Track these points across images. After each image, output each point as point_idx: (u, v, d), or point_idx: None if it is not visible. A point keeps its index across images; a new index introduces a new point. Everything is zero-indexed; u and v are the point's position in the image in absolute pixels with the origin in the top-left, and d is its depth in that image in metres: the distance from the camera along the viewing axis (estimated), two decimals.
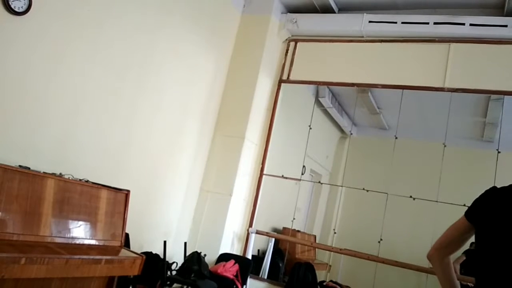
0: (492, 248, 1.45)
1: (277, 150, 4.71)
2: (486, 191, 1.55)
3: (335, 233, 4.59)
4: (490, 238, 1.46)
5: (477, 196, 1.57)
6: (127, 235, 3.14)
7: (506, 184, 1.54)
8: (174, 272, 3.68)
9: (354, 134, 4.86)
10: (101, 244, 2.71)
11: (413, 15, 4.18)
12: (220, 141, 4.52)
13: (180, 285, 3.64)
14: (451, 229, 1.62)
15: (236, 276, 3.90)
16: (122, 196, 2.98)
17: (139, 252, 2.97)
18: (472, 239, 1.57)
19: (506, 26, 3.82)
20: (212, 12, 4.34)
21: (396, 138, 4.18)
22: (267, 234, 4.47)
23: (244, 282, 3.95)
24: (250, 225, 4.47)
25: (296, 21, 4.61)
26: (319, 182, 5.09)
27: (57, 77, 2.86)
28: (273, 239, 4.47)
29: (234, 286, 3.84)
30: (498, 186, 1.54)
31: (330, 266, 5.03)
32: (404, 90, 4.18)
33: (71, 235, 2.54)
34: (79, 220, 2.61)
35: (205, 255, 3.92)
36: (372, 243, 4.00)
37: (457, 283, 1.63)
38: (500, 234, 1.43)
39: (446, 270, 1.63)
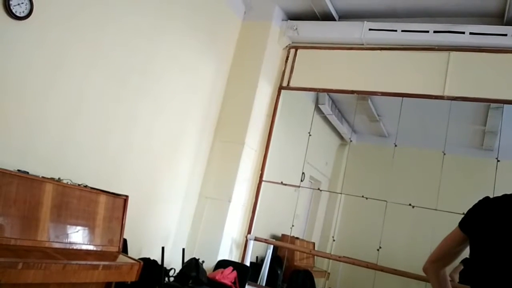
0: (486, 258, 1.44)
1: (277, 157, 4.70)
2: (479, 202, 1.56)
3: (334, 240, 4.58)
4: (484, 248, 1.46)
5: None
6: (125, 240, 3.13)
7: (506, 193, 1.53)
8: (172, 279, 3.66)
9: (354, 141, 4.86)
10: (98, 249, 2.70)
11: (413, 23, 4.19)
12: (220, 146, 4.52)
13: None
14: (445, 241, 1.62)
15: (234, 283, 3.88)
16: (120, 201, 2.97)
17: (137, 258, 2.96)
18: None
19: (506, 35, 3.83)
20: (213, 18, 4.36)
21: (395, 145, 4.17)
22: (265, 241, 4.45)
23: None
24: (249, 232, 4.45)
25: (296, 28, 4.62)
26: (319, 189, 5.08)
27: (57, 82, 2.86)
28: (272, 246, 4.45)
29: None
30: (491, 196, 1.54)
31: (329, 273, 5.01)
32: (404, 98, 4.18)
33: (68, 240, 2.53)
34: (77, 225, 2.60)
35: (203, 261, 3.90)
36: (371, 250, 3.98)
37: None
38: (494, 244, 1.43)
39: (442, 283, 1.63)
